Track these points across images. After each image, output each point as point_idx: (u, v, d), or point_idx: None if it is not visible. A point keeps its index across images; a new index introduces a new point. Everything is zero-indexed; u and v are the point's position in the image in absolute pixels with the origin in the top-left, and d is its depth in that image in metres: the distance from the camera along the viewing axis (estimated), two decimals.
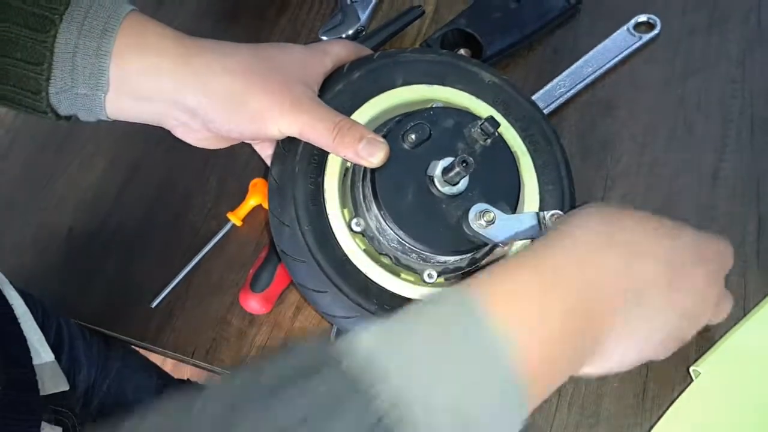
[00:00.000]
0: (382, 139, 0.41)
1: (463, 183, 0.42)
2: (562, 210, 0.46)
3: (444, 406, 0.28)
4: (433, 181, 0.42)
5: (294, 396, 0.26)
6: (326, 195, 0.44)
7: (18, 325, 0.51)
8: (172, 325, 0.58)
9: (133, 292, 0.60)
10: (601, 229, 0.36)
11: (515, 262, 0.34)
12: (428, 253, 0.43)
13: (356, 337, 0.29)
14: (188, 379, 0.88)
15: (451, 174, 0.41)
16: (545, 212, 0.42)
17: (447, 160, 0.41)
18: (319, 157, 0.44)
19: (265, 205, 0.60)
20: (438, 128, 0.43)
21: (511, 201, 0.43)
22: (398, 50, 0.49)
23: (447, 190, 0.42)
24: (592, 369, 0.36)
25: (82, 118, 0.42)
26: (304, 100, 0.41)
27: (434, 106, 0.45)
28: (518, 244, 0.46)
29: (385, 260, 0.44)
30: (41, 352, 0.53)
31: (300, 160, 0.44)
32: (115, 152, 0.68)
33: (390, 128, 0.43)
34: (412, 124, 0.43)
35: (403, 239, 0.42)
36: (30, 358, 0.51)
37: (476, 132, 0.43)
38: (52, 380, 0.53)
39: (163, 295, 0.59)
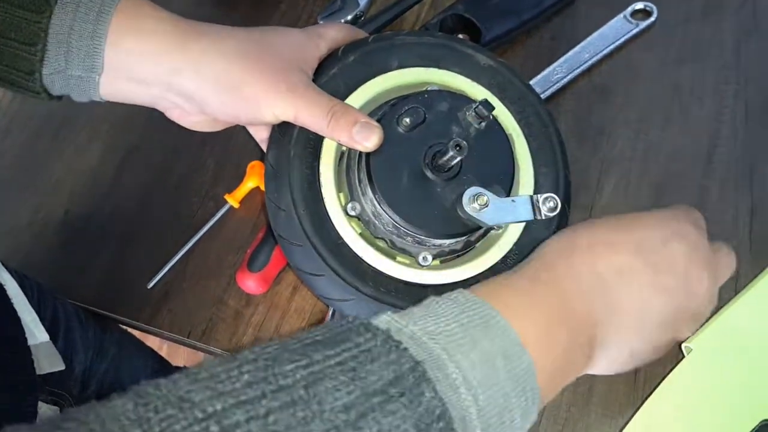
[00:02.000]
0: (376, 123, 0.42)
1: (458, 166, 0.43)
2: (556, 193, 0.46)
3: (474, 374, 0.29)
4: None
5: (326, 348, 0.27)
6: (322, 179, 0.44)
7: (11, 305, 0.51)
8: (169, 305, 0.58)
9: (130, 274, 0.60)
10: (562, 245, 0.39)
11: (508, 283, 0.37)
12: (423, 237, 0.43)
13: (376, 318, 0.31)
14: (185, 366, 0.88)
15: (445, 158, 0.41)
16: (539, 195, 0.43)
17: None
18: (315, 141, 0.44)
19: (263, 188, 0.60)
20: (433, 112, 0.43)
21: (505, 184, 0.44)
22: (393, 33, 0.49)
23: (442, 175, 0.42)
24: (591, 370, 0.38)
25: (75, 99, 0.42)
26: (299, 85, 0.41)
27: (429, 89, 0.45)
28: (512, 226, 0.46)
29: (381, 244, 0.45)
30: (35, 333, 0.53)
31: (295, 144, 0.44)
32: (112, 136, 0.68)
33: (385, 112, 0.44)
34: (407, 107, 0.43)
35: (398, 223, 0.42)
36: (25, 339, 0.51)
37: (471, 115, 0.43)
38: (47, 360, 0.53)
39: (159, 276, 0.59)
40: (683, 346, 0.42)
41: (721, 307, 0.43)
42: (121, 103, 0.69)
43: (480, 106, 0.42)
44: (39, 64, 0.38)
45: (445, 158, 0.41)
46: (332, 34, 0.47)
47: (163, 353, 0.82)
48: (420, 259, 0.44)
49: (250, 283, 0.55)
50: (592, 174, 0.56)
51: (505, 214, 0.42)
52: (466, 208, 0.41)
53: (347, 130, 0.41)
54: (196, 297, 0.57)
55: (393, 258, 0.44)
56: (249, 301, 0.56)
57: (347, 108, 0.42)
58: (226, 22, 0.43)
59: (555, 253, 0.39)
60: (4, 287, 0.52)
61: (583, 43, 0.61)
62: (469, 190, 0.41)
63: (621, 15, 0.61)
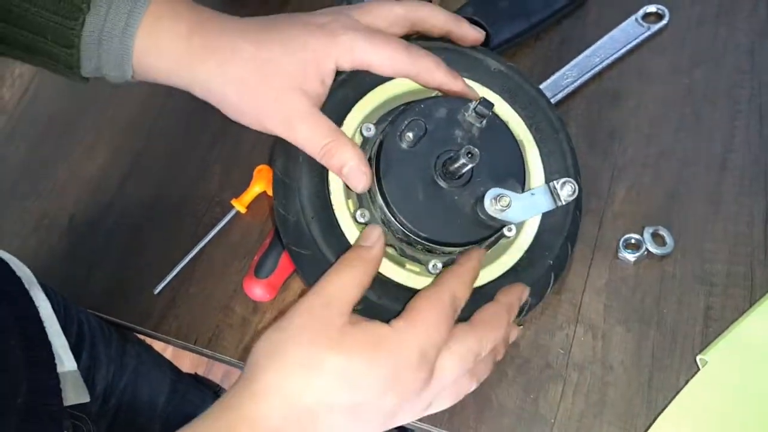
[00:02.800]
0: (365, 168, 0.41)
1: (470, 171, 0.42)
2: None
3: None
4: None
5: None
6: (331, 186, 0.44)
7: (44, 329, 0.50)
8: (175, 312, 0.57)
9: (136, 279, 0.59)
10: (290, 403, 0.35)
11: None
12: (435, 245, 0.42)
13: None
14: (195, 373, 0.88)
15: (456, 166, 0.41)
16: (555, 182, 0.43)
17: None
18: None
19: (270, 192, 0.60)
20: (432, 120, 0.43)
21: (518, 177, 0.44)
22: (403, 38, 0.48)
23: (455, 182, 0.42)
24: None
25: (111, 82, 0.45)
26: (294, 116, 0.41)
27: (425, 98, 0.45)
28: (523, 234, 0.46)
29: (390, 251, 0.44)
30: (64, 360, 0.52)
31: (303, 151, 0.44)
32: (118, 141, 0.67)
33: (386, 132, 0.43)
34: (407, 122, 0.42)
35: (410, 231, 0.42)
36: (55, 365, 0.49)
37: (471, 116, 0.43)
38: (74, 390, 0.52)
39: (166, 281, 0.58)
40: (698, 358, 0.41)
41: (737, 319, 0.43)
42: (127, 107, 0.69)
43: (480, 106, 0.42)
44: (77, 62, 0.42)
45: (457, 165, 0.41)
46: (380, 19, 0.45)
47: (168, 355, 0.81)
48: (430, 267, 0.44)
49: (258, 290, 0.54)
50: (603, 180, 0.55)
51: (528, 209, 0.43)
52: (489, 211, 0.41)
53: (337, 170, 0.42)
54: (203, 303, 0.57)
55: (402, 265, 0.44)
56: (256, 308, 0.56)
57: (341, 146, 0.41)
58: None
59: (278, 412, 0.35)
60: (38, 309, 0.51)
61: (593, 47, 0.60)
62: (489, 192, 0.41)
63: (632, 18, 0.60)
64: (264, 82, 0.41)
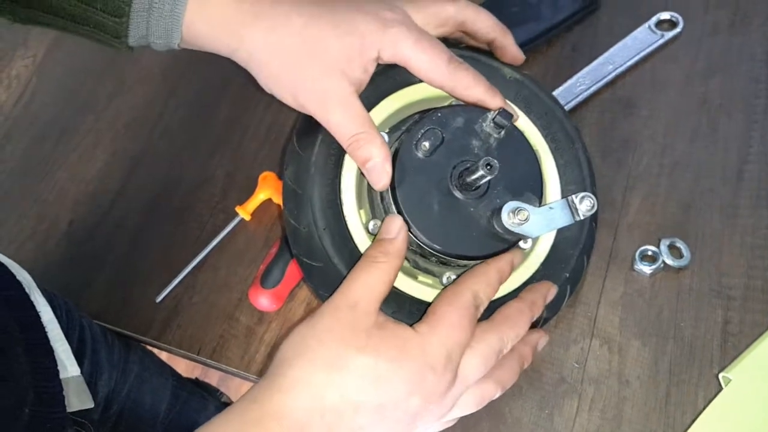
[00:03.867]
0: (388, 168, 0.40)
1: (487, 183, 0.41)
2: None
3: None
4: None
5: None
6: (343, 197, 0.42)
7: (45, 334, 0.49)
8: (178, 321, 0.56)
9: (137, 287, 0.58)
10: (313, 403, 0.35)
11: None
12: (449, 257, 0.41)
13: None
14: (196, 378, 0.86)
15: (474, 177, 0.40)
16: (573, 196, 0.42)
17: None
18: (336, 157, 0.43)
19: (275, 199, 0.58)
20: (449, 130, 0.42)
21: (536, 190, 0.43)
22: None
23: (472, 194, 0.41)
24: None
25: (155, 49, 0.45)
26: (331, 98, 0.40)
27: (442, 106, 0.43)
28: (539, 246, 0.45)
29: (404, 264, 0.43)
30: (67, 365, 0.51)
31: (316, 160, 0.42)
32: (117, 144, 0.66)
33: (401, 140, 0.42)
34: (423, 131, 0.41)
35: (424, 243, 0.41)
36: (57, 372, 0.48)
37: (489, 126, 0.42)
38: (77, 396, 0.51)
39: (168, 289, 0.57)
40: (721, 376, 0.40)
41: (759, 336, 0.42)
42: (127, 109, 0.67)
43: (499, 116, 0.41)
44: (125, 31, 0.41)
45: (474, 177, 0.40)
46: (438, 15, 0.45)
47: (164, 357, 0.79)
48: (443, 279, 0.43)
49: (264, 301, 0.53)
50: (616, 190, 0.54)
51: (546, 223, 0.41)
52: (506, 225, 0.40)
53: (360, 163, 0.41)
54: (206, 313, 0.56)
55: (415, 277, 0.43)
56: (261, 318, 0.54)
57: (371, 139, 0.40)
58: None
59: (304, 406, 0.35)
60: (39, 314, 0.50)
61: (606, 54, 0.59)
62: (507, 205, 0.40)
63: (645, 25, 0.59)
64: (308, 58, 0.40)
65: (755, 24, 0.58)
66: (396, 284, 0.42)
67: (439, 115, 0.42)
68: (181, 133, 0.65)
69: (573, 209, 0.42)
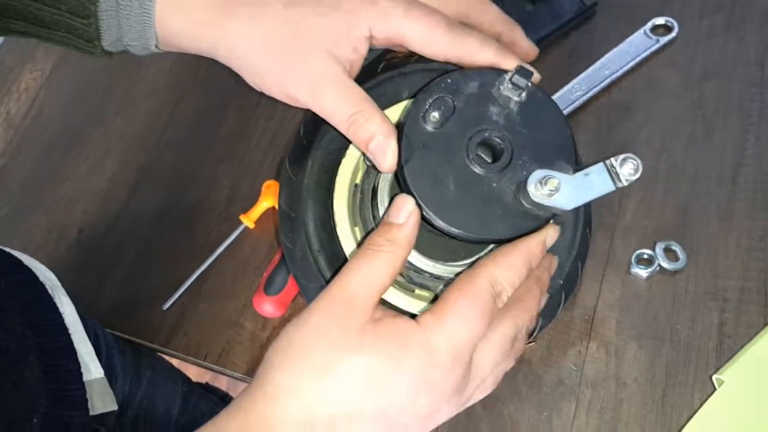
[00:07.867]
0: (394, 145, 0.36)
1: (507, 154, 0.36)
2: (577, 213, 0.43)
3: None
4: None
5: None
6: (336, 217, 0.42)
7: (68, 335, 0.48)
8: (184, 328, 0.57)
9: (145, 295, 0.59)
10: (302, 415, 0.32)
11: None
12: (441, 273, 0.41)
13: None
14: (206, 383, 0.88)
15: (493, 146, 0.36)
16: (613, 159, 0.36)
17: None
18: (328, 178, 0.42)
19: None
20: (461, 97, 0.37)
21: (568, 156, 0.37)
22: (403, 60, 0.44)
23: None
24: None
25: (135, 53, 0.42)
26: (321, 81, 0.37)
27: (451, 71, 0.38)
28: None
29: (398, 278, 0.43)
30: (91, 367, 0.49)
31: (308, 184, 0.42)
32: (126, 154, 0.67)
33: (408, 112, 0.38)
34: (431, 100, 0.36)
35: (441, 228, 0.37)
36: (80, 374, 0.47)
37: (507, 88, 0.37)
38: (101, 399, 0.49)
39: (175, 297, 0.58)
40: (714, 378, 0.41)
41: (752, 338, 0.42)
42: (134, 121, 0.69)
43: (516, 75, 0.36)
44: (96, 33, 0.39)
45: (494, 146, 0.37)
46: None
47: (174, 363, 0.81)
48: (438, 292, 0.43)
49: (267, 307, 0.54)
50: (613, 194, 0.54)
51: (582, 192, 0.35)
52: (533, 197, 0.35)
53: (363, 143, 0.37)
54: (212, 319, 0.57)
55: (410, 292, 0.43)
56: (266, 324, 0.56)
57: (371, 117, 0.37)
58: None
59: (293, 414, 0.32)
60: (62, 315, 0.49)
61: (602, 60, 0.60)
62: (533, 175, 0.35)
63: (641, 30, 0.60)
64: (291, 43, 0.37)
65: (750, 28, 0.59)
66: (391, 299, 0.41)
67: (449, 81, 0.37)
68: (187, 143, 0.67)
69: (613, 174, 0.36)
